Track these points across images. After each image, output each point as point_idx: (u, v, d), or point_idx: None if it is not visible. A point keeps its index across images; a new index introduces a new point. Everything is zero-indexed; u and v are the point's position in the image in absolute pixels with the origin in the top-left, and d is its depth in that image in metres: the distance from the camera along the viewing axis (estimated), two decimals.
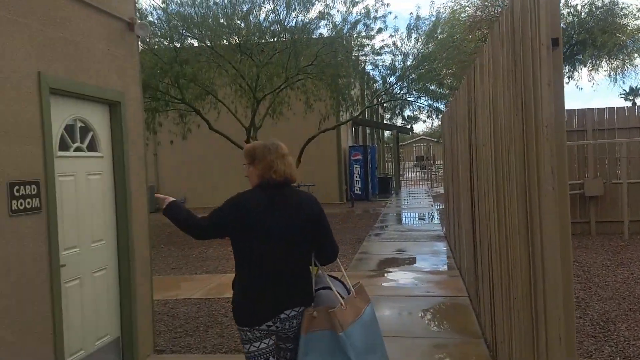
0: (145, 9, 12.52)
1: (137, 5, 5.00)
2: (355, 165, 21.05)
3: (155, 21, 12.48)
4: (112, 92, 4.50)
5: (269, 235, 2.61)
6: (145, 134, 5.13)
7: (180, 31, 12.37)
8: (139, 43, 4.94)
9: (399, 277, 7.81)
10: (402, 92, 16.91)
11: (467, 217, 6.21)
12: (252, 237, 2.62)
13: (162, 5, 12.19)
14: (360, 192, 20.91)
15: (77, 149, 4.17)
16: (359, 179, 21.00)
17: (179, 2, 12.69)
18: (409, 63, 15.79)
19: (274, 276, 2.62)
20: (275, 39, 13.37)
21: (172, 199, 2.80)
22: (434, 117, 17.45)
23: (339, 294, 2.68)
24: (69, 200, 4.01)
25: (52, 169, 3.70)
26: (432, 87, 16.18)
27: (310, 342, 2.60)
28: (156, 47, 12.26)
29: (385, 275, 8.04)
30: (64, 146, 4.02)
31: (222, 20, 12.91)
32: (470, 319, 5.62)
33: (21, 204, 3.38)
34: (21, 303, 3.33)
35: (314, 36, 13.57)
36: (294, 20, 13.34)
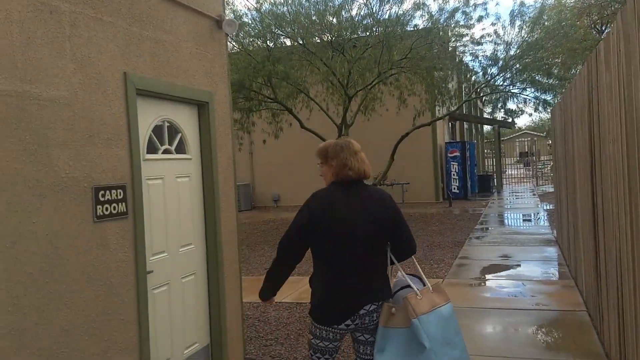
0: (240, 9, 12.62)
1: (225, 1, 4.84)
2: (452, 163, 20.16)
3: (250, 22, 12.56)
4: (201, 92, 4.35)
5: (345, 232, 2.62)
6: (234, 135, 4.98)
7: (273, 30, 12.34)
8: (233, 43, 4.76)
9: (504, 286, 7.15)
10: (504, 83, 15.87)
11: (586, 221, 5.49)
12: (328, 235, 2.63)
13: (255, 6, 12.23)
14: (458, 191, 20.00)
15: (166, 151, 4.06)
16: (457, 177, 20.09)
17: (272, 1, 12.69)
18: (512, 52, 14.78)
19: (352, 274, 2.63)
20: (368, 33, 12.99)
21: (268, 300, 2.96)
22: (540, 109, 16.21)
23: (416, 288, 2.71)
24: (157, 204, 3.90)
25: (139, 172, 3.59)
26: (538, 78, 15.00)
27: (387, 337, 2.60)
28: (250, 48, 12.33)
29: (488, 284, 7.41)
30: (152, 148, 3.91)
31: (314, 17, 12.74)
32: (590, 338, 4.94)
33: (106, 209, 3.28)
34: (105, 311, 3.23)
35: (408, 28, 13.03)
36: (387, 12, 12.89)
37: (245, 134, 13.65)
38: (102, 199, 3.25)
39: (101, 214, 3.24)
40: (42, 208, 2.84)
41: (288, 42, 13.35)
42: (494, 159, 26.41)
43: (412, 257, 2.85)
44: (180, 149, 4.25)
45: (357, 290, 2.62)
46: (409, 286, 2.73)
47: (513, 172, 32.09)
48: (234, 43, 11.83)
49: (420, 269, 2.91)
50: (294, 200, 19.92)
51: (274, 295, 2.91)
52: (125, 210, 3.45)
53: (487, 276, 7.80)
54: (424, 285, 2.78)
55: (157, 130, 4.00)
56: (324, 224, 2.63)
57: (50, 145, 2.90)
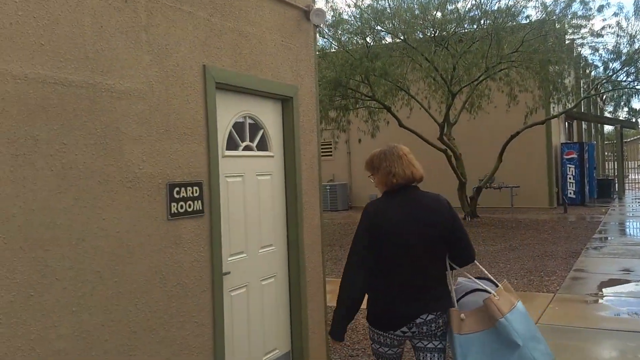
0: (340, 6, 12.39)
1: None
2: (568, 165, 18.61)
3: (349, 18, 12.33)
4: (285, 86, 4.14)
5: (399, 241, 2.59)
6: (319, 132, 4.73)
7: (372, 26, 12.01)
8: (331, 41, 4.50)
9: (624, 305, 6.28)
10: (628, 79, 14.33)
11: None
12: (382, 244, 2.60)
13: (355, 1, 11.96)
14: (574, 196, 18.42)
15: (247, 148, 3.89)
16: (573, 181, 18.50)
17: None
18: (636, 46, 13.27)
19: (406, 283, 2.60)
20: (475, 26, 12.25)
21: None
22: None
23: (489, 291, 2.65)
24: (236, 202, 3.74)
25: (216, 169, 3.44)
26: None
27: (466, 344, 2.56)
28: (349, 46, 12.09)
29: (606, 301, 6.56)
30: (232, 145, 3.76)
31: (416, 12, 12.24)
32: None
33: (181, 207, 3.15)
34: (178, 313, 3.09)
35: (519, 20, 12.11)
36: (497, 4, 12.07)
37: (341, 132, 13.43)
38: (177, 196, 3.12)
39: (175, 211, 3.11)
40: (113, 204, 2.74)
41: (388, 39, 12.96)
42: (616, 162, 24.07)
43: (477, 262, 2.81)
44: (262, 145, 4.06)
45: (412, 298, 2.60)
46: (475, 290, 2.70)
47: (636, 177, 29.10)
48: (331, 41, 11.68)
49: (486, 271, 2.87)
50: None
51: (345, 331, 2.71)
52: (201, 208, 3.31)
53: (605, 292, 6.93)
54: (496, 285, 2.72)
55: (238, 126, 3.84)
56: (379, 232, 2.60)
57: (123, 139, 2.81)
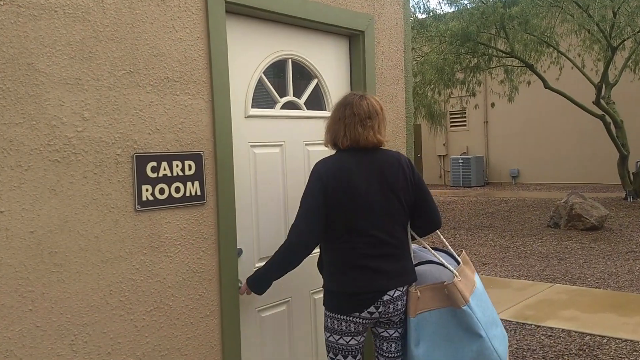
0: None
1: None
2: None
3: None
4: (352, 15, 2.86)
5: (363, 205, 2.17)
6: (409, 80, 3.37)
7: None
8: None
9: None
10: None
11: None
12: (341, 209, 2.16)
13: None
14: None
15: (289, 106, 2.70)
16: None
17: None
18: None
19: (371, 254, 2.19)
20: None
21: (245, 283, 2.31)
22: None
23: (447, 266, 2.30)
24: (269, 183, 2.59)
25: (228, 134, 2.30)
26: None
27: (420, 326, 2.23)
28: None
29: None
30: (263, 100, 2.60)
31: None
32: None
33: (161, 191, 2.08)
34: (158, 355, 2.04)
35: None
36: None
37: (470, 97, 11.60)
38: (152, 175, 2.04)
39: (149, 198, 2.03)
40: (23, 188, 1.73)
41: None
42: None
43: (439, 232, 2.46)
44: (315, 102, 2.84)
45: (379, 270, 2.20)
46: (430, 262, 2.35)
47: None
48: None
49: (446, 242, 2.58)
50: (537, 177, 17.01)
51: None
52: (199, 193, 2.20)
53: None
54: (457, 262, 2.38)
55: (274, 72, 2.66)
56: (337, 194, 2.16)
57: (42, 84, 1.77)
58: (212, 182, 2.25)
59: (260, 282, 2.25)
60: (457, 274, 2.25)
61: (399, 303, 2.23)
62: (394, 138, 3.21)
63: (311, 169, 2.24)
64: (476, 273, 2.41)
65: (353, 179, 2.15)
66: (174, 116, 2.11)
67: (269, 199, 2.58)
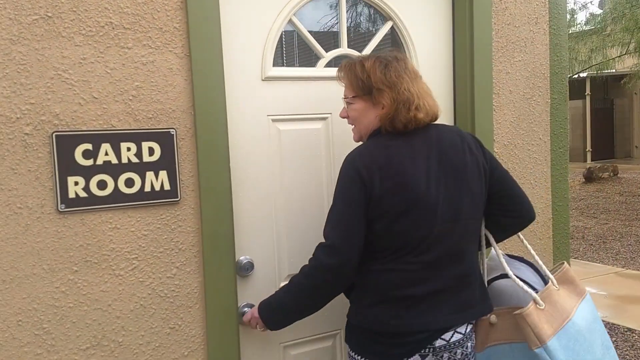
0: None
1: None
2: None
3: None
4: None
5: (424, 209, 1.40)
6: (564, 21, 2.23)
7: None
8: None
9: None
10: None
11: None
12: (390, 218, 1.39)
13: None
14: None
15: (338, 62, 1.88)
16: None
17: None
18: None
19: (427, 275, 1.42)
20: None
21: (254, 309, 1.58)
22: None
23: (529, 284, 1.52)
24: (303, 171, 1.82)
25: (219, 106, 1.62)
26: None
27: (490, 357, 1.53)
28: None
29: None
30: (297, 57, 1.84)
31: None
32: None
33: (101, 185, 1.48)
34: None
35: None
36: None
37: None
38: (83, 163, 1.46)
39: (81, 195, 1.45)
40: None
41: None
42: None
43: (521, 235, 1.66)
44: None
45: (440, 301, 1.42)
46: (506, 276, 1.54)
47: None
48: None
49: (532, 250, 1.63)
50: None
51: None
52: (169, 187, 1.56)
53: None
54: (544, 280, 1.57)
55: (316, 15, 1.86)
56: (386, 197, 1.38)
57: None
58: (192, 172, 1.59)
59: (274, 314, 1.53)
60: (539, 299, 1.45)
61: (459, 351, 1.45)
62: (527, 109, 2.15)
63: (343, 162, 1.45)
64: (587, 299, 1.57)
65: (407, 172, 1.40)
66: (122, 79, 1.49)
67: (303, 193, 1.81)
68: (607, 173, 12.87)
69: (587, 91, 17.56)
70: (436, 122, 1.52)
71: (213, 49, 1.58)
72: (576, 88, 16.74)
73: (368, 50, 1.92)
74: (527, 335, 1.42)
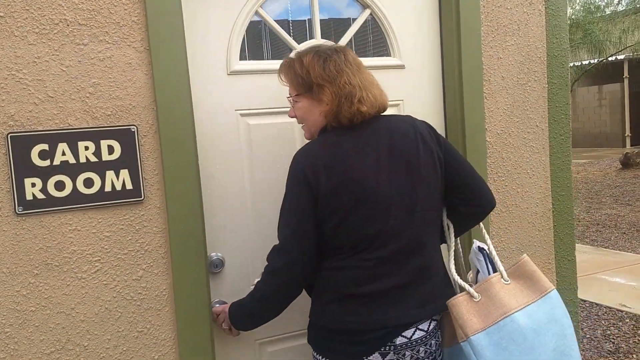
0: None
1: None
2: None
3: None
4: None
5: (370, 205, 1.35)
6: (564, 2, 2.09)
7: None
8: None
9: None
10: None
11: None
12: (340, 215, 1.34)
13: None
14: None
15: None
16: None
17: None
18: None
19: (385, 271, 1.36)
20: None
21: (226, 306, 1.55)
22: None
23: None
24: (271, 168, 1.76)
25: (183, 101, 1.57)
26: None
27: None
28: None
29: None
30: (266, 50, 1.77)
31: None
32: None
33: (59, 187, 1.45)
34: None
35: None
36: None
37: None
38: (40, 164, 1.43)
39: (38, 197, 1.43)
40: None
41: None
42: None
43: (481, 225, 1.57)
44: (365, 45, 1.88)
45: (399, 297, 1.36)
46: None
47: None
48: None
49: (489, 240, 1.53)
50: None
51: None
52: (132, 186, 1.52)
53: None
54: (491, 268, 1.47)
55: (285, 7, 1.79)
56: (334, 195, 1.33)
57: None
58: (156, 170, 1.55)
59: (241, 317, 1.50)
60: (473, 290, 1.39)
61: (432, 343, 1.41)
62: (522, 96, 2.03)
63: (291, 162, 1.40)
64: (548, 297, 1.40)
65: (355, 168, 1.36)
66: (79, 76, 1.45)
67: (275, 188, 1.75)
68: None
69: (625, 74, 16.89)
70: (388, 113, 1.46)
71: (174, 42, 1.53)
72: (611, 71, 16.12)
73: (344, 40, 1.84)
74: (455, 326, 1.37)
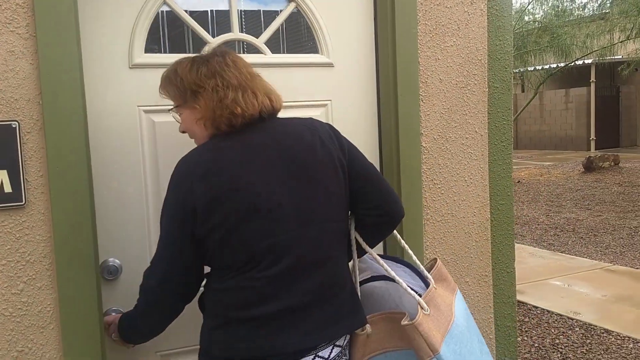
0: None
1: None
2: None
3: None
4: None
5: (257, 217, 1.20)
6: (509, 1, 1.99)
7: None
8: None
9: None
10: None
11: None
12: (223, 228, 1.19)
13: None
14: None
15: (236, 49, 1.67)
16: None
17: None
18: None
19: (276, 292, 1.22)
20: None
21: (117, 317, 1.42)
22: None
23: (411, 287, 1.37)
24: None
25: (74, 95, 1.43)
26: None
27: None
28: None
29: None
30: (179, 43, 1.62)
31: None
32: None
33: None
34: None
35: None
36: None
37: None
38: None
39: None
40: None
41: None
42: None
43: (396, 233, 1.47)
44: (295, 41, 1.75)
45: (295, 319, 1.22)
46: (383, 278, 1.42)
47: None
48: None
49: (410, 250, 1.48)
50: None
51: None
52: (11, 189, 1.35)
53: None
54: (424, 281, 1.41)
55: None
56: (216, 205, 1.19)
57: None
58: (41, 172, 1.38)
59: (128, 330, 1.37)
60: (424, 304, 1.31)
61: None
62: (460, 100, 1.92)
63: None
64: (458, 294, 1.45)
65: (240, 176, 1.21)
66: None
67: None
68: (608, 162, 12.54)
69: (592, 78, 17.15)
70: (287, 117, 1.34)
71: (66, 29, 1.36)
72: (577, 75, 16.34)
73: (266, 35, 1.69)
74: (417, 346, 1.26)
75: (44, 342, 1.41)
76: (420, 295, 1.34)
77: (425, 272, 1.42)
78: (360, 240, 1.38)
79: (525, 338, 3.77)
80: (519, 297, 4.39)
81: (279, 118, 1.31)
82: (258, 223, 1.20)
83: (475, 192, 2.01)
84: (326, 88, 1.76)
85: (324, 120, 1.74)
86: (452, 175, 1.96)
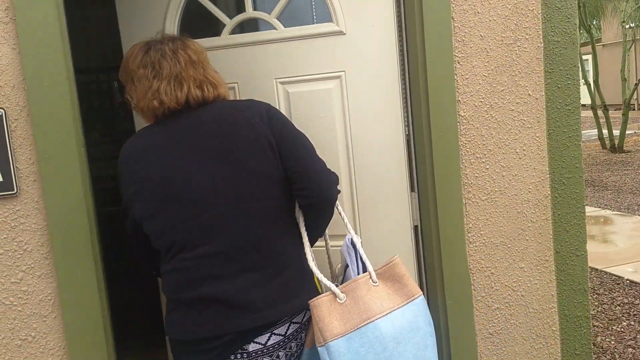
0: None
1: None
2: None
3: None
4: None
5: (180, 202, 1.23)
6: None
7: None
8: None
9: None
10: None
11: None
12: (151, 212, 1.25)
13: None
14: None
15: (251, 27, 1.57)
16: None
17: None
18: None
19: (215, 269, 1.23)
20: None
21: None
22: None
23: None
24: None
25: (64, 79, 1.37)
26: None
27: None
28: None
29: None
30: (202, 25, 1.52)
31: None
32: None
33: None
34: None
35: None
36: None
37: None
38: None
39: None
40: None
41: None
42: None
43: (338, 206, 1.38)
44: (304, 13, 1.59)
45: (242, 298, 1.22)
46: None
47: None
48: None
49: (352, 229, 1.40)
50: None
51: None
52: (1, 178, 1.34)
53: None
54: (362, 266, 1.35)
55: None
56: (143, 191, 1.24)
57: None
58: (31, 159, 1.35)
59: None
60: (338, 291, 1.24)
61: (292, 345, 1.28)
62: (508, 59, 1.64)
63: None
64: (415, 303, 1.28)
65: (161, 162, 1.24)
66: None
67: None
68: None
69: None
70: (230, 100, 1.36)
71: (47, 9, 1.31)
72: None
73: (277, 10, 1.54)
74: (315, 330, 1.23)
75: (46, 330, 1.40)
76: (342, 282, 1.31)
77: (368, 263, 1.31)
78: (300, 222, 1.32)
79: (632, 323, 3.34)
80: (631, 277, 3.91)
81: (213, 104, 1.29)
82: (180, 206, 1.21)
83: (530, 166, 1.73)
84: (336, 59, 1.57)
85: (338, 95, 1.59)
86: (500, 147, 1.69)
